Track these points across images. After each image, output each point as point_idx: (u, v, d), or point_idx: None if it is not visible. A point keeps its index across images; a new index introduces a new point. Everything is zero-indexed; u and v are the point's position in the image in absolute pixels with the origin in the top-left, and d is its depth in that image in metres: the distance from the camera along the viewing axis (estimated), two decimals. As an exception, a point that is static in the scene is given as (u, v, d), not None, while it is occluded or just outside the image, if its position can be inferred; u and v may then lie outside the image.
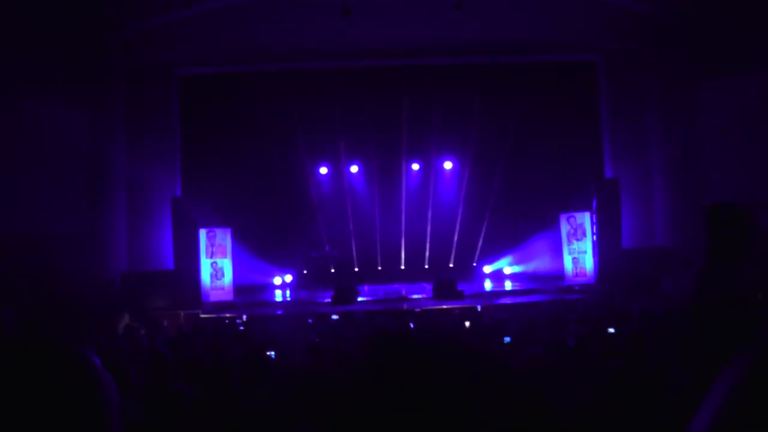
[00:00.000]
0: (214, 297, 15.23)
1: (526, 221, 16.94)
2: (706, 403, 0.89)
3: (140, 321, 12.47)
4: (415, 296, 15.06)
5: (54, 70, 13.96)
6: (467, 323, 8.92)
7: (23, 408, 0.99)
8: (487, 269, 17.94)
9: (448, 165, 18.13)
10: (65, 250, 14.12)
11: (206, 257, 15.43)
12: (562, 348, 5.29)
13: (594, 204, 15.33)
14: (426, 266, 18.02)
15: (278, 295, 16.61)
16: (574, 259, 15.74)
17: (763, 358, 0.87)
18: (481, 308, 12.67)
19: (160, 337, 8.61)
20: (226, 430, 3.96)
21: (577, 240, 15.74)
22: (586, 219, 15.70)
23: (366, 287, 16.33)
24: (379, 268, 18.04)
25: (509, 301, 13.73)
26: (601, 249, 15.05)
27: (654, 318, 7.73)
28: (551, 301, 13.37)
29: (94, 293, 14.10)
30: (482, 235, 17.77)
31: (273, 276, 17.30)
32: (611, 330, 7.23)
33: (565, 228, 15.84)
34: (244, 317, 12.39)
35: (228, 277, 15.53)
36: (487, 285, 16.87)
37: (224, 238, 15.60)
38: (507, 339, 7.02)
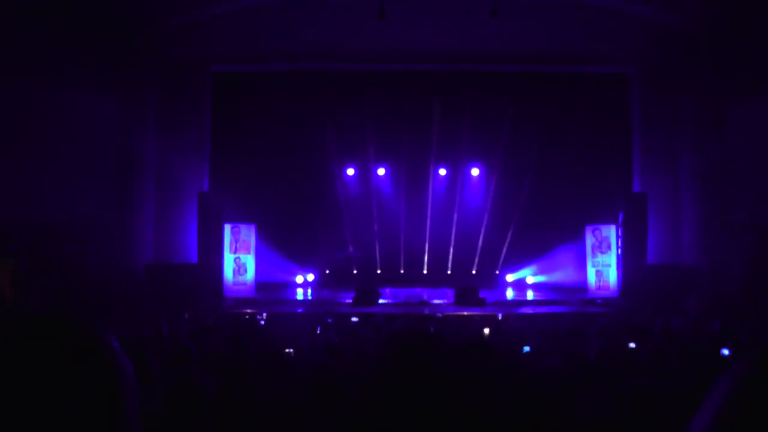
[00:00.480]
0: (236, 293, 15.31)
1: (551, 231, 16.83)
2: (705, 404, 0.90)
3: (162, 312, 12.56)
4: (436, 301, 15.03)
5: (86, 60, 14.09)
6: (486, 330, 8.87)
7: (41, 383, 1.01)
8: (510, 278, 17.85)
9: (475, 171, 18.08)
10: (91, 238, 14.27)
11: (230, 252, 15.52)
12: (582, 361, 5.25)
13: (620, 218, 15.19)
14: (449, 272, 17.98)
15: (300, 294, 16.65)
16: (597, 271, 15.62)
17: (761, 360, 0.88)
18: (502, 316, 12.61)
19: (181, 330, 8.68)
20: (243, 425, 3.99)
21: (602, 253, 15.60)
22: (611, 232, 15.57)
23: (387, 290, 16.32)
24: (402, 271, 18.02)
25: (531, 311, 13.65)
26: (625, 263, 14.91)
27: (677, 336, 7.64)
28: (573, 313, 13.26)
29: (118, 282, 14.25)
30: (506, 243, 17.71)
31: (295, 274, 17.33)
32: (632, 345, 7.15)
33: (590, 240, 15.72)
34: (265, 314, 12.41)
35: (250, 274, 15.60)
36: (509, 293, 16.78)
37: (248, 234, 15.68)
38: (526, 348, 6.97)
